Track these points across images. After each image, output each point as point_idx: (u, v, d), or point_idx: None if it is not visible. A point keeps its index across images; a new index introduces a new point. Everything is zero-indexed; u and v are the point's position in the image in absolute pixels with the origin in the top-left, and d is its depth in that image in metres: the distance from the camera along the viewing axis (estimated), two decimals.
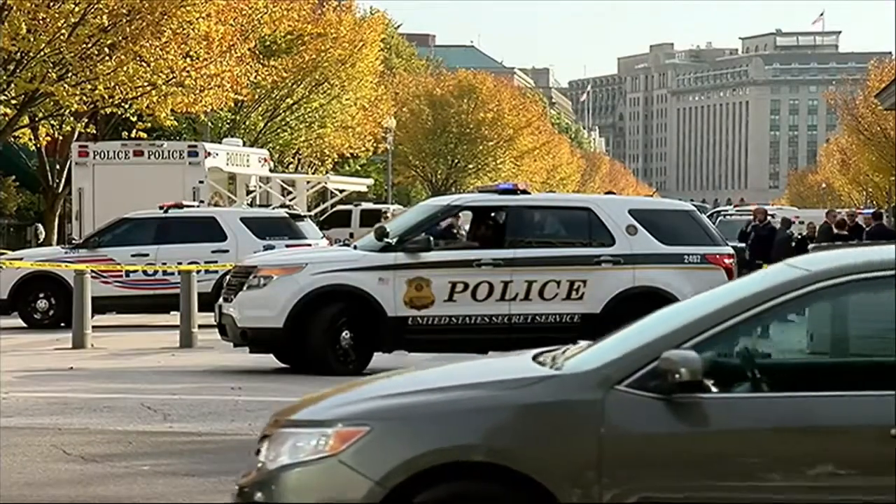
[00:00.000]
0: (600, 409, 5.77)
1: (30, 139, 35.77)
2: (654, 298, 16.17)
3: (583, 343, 6.47)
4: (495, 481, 5.76)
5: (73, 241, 25.58)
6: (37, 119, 33.57)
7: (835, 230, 28.21)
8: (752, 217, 30.53)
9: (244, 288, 15.82)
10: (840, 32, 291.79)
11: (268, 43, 44.67)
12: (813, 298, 6.00)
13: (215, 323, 16.55)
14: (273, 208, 28.34)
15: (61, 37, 28.25)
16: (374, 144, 56.61)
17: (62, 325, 21.37)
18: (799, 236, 31.97)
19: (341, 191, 40.99)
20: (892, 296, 6.02)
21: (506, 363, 6.91)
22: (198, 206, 25.45)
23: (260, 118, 47.78)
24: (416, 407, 5.98)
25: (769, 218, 29.64)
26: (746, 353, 6.02)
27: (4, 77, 29.15)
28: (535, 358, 6.36)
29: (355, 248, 16.71)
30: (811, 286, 5.98)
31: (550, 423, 5.81)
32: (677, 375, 5.69)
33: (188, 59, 31.29)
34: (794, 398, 5.85)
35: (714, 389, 5.80)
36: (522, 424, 5.81)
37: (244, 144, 38.27)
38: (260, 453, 6.07)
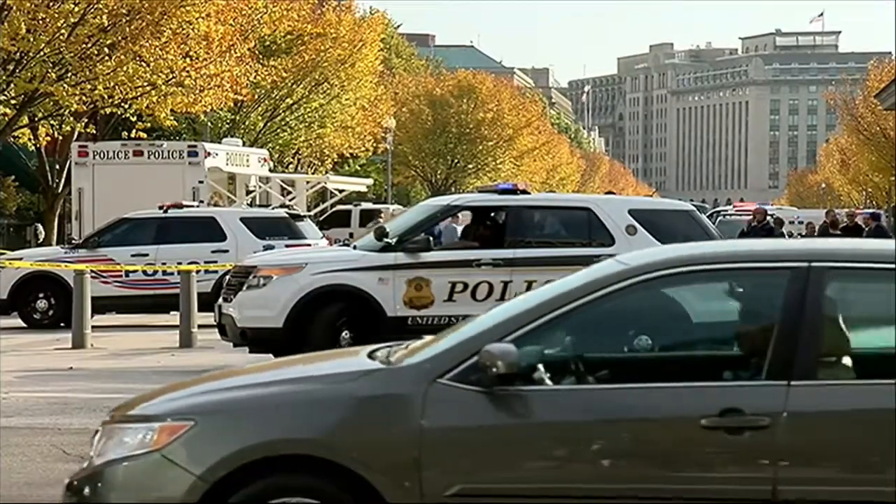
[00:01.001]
0: (421, 402, 5.82)
1: (29, 139, 35.77)
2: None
3: (427, 338, 6.51)
4: (318, 475, 5.79)
5: (73, 241, 25.57)
6: (36, 119, 33.57)
7: (830, 230, 28.27)
8: (751, 217, 30.55)
9: (244, 288, 15.82)
10: (840, 32, 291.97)
11: (267, 43, 44.68)
12: (631, 292, 6.07)
13: (215, 323, 16.55)
14: (273, 208, 28.33)
15: (61, 37, 28.25)
16: (374, 144, 56.61)
17: (62, 325, 21.36)
18: (798, 236, 32.01)
19: (341, 191, 41.00)
20: (707, 289, 6.22)
21: (339, 359, 7.00)
22: (197, 206, 25.45)
23: (260, 118, 47.78)
24: (241, 401, 6.00)
25: (768, 218, 29.66)
26: (568, 346, 6.11)
27: (4, 77, 29.14)
28: (370, 353, 6.42)
29: (355, 248, 16.71)
30: (629, 280, 6.08)
31: (372, 416, 5.86)
32: (495, 368, 5.75)
33: (188, 59, 31.28)
34: (612, 390, 5.94)
35: (534, 382, 5.88)
36: (344, 417, 5.85)
37: (244, 144, 38.28)
38: (91, 447, 6.10)
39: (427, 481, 5.76)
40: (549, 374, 5.93)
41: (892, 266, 6.00)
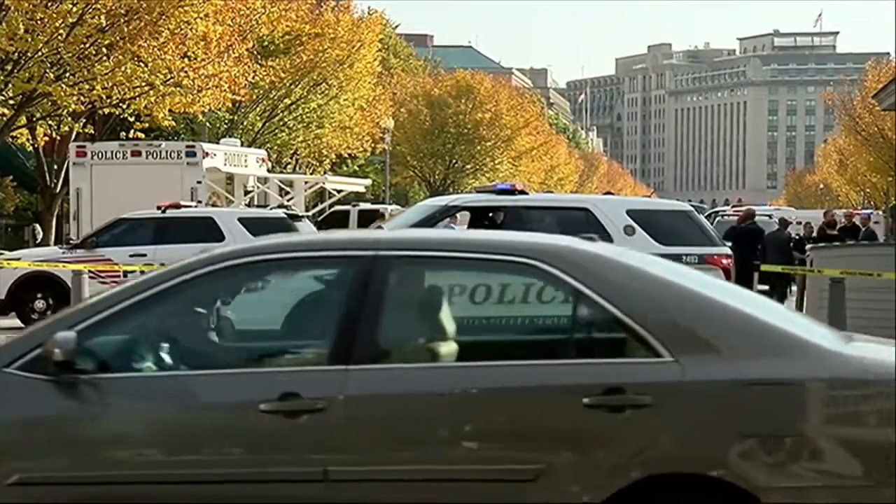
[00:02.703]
0: None
1: (27, 139, 35.75)
2: None
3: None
4: None
5: (71, 242, 25.54)
6: (34, 119, 33.55)
7: (828, 231, 28.27)
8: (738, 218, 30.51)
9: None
10: (838, 33, 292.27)
11: (266, 43, 44.64)
12: (198, 283, 6.18)
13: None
14: (271, 208, 28.31)
15: (59, 37, 28.21)
16: (372, 145, 56.57)
17: None
18: (797, 236, 32.01)
19: (339, 191, 40.96)
20: (286, 277, 6.42)
21: None
22: (195, 207, 25.43)
23: (258, 118, 47.74)
24: None
25: (778, 219, 29.71)
26: (140, 333, 6.19)
27: (2, 77, 29.11)
28: None
29: None
30: (195, 271, 6.18)
31: None
32: (54, 356, 5.82)
33: (186, 60, 31.25)
34: (175, 378, 6.04)
35: (102, 370, 5.95)
36: None
37: (242, 145, 38.25)
38: None
39: None
40: (118, 362, 6.03)
41: (454, 254, 6.21)
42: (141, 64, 29.75)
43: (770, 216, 39.04)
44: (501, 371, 5.90)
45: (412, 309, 6.29)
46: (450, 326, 6.20)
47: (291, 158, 53.59)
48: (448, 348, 6.10)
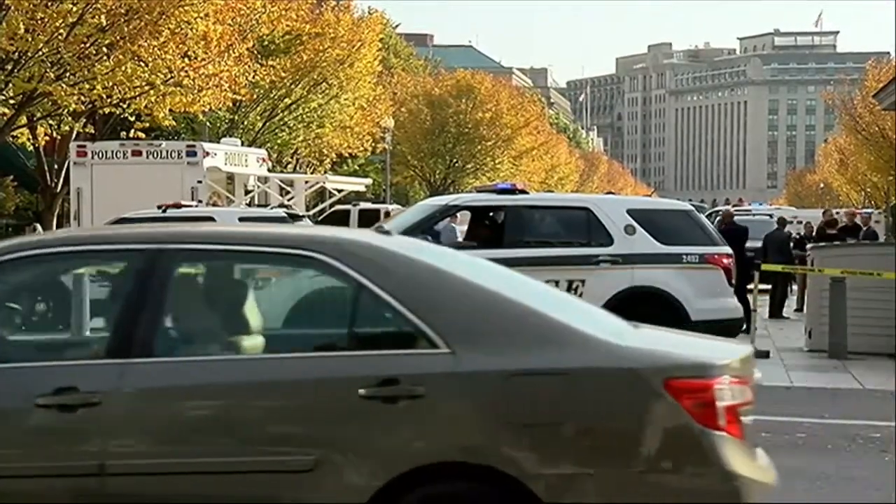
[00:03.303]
0: None
1: (28, 139, 35.74)
2: (653, 298, 16.23)
3: None
4: None
5: None
6: (35, 119, 33.54)
7: (827, 230, 28.29)
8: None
9: None
10: (838, 32, 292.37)
11: (266, 43, 44.65)
12: None
13: None
14: (271, 208, 28.30)
15: (59, 36, 28.21)
16: (373, 144, 56.57)
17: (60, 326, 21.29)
18: (797, 236, 32.02)
19: (340, 191, 40.95)
20: (53, 274, 6.43)
21: None
22: (196, 206, 25.41)
23: (258, 118, 47.75)
24: None
25: (781, 218, 29.83)
26: None
27: (2, 77, 29.10)
28: None
29: None
30: None
31: None
32: None
33: (186, 59, 31.24)
34: None
35: None
36: None
37: (242, 144, 38.24)
38: None
39: None
40: None
41: (236, 248, 6.26)
42: (141, 63, 29.73)
43: (770, 216, 39.08)
44: (280, 363, 5.95)
45: (192, 303, 6.33)
46: (230, 320, 6.25)
47: (292, 158, 53.59)
48: (228, 342, 6.15)
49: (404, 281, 6.04)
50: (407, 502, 5.73)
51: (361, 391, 5.79)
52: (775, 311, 27.42)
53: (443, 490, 5.77)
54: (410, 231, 16.23)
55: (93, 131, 38.18)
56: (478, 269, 6.60)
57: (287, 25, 44.52)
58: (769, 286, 27.02)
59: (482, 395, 5.80)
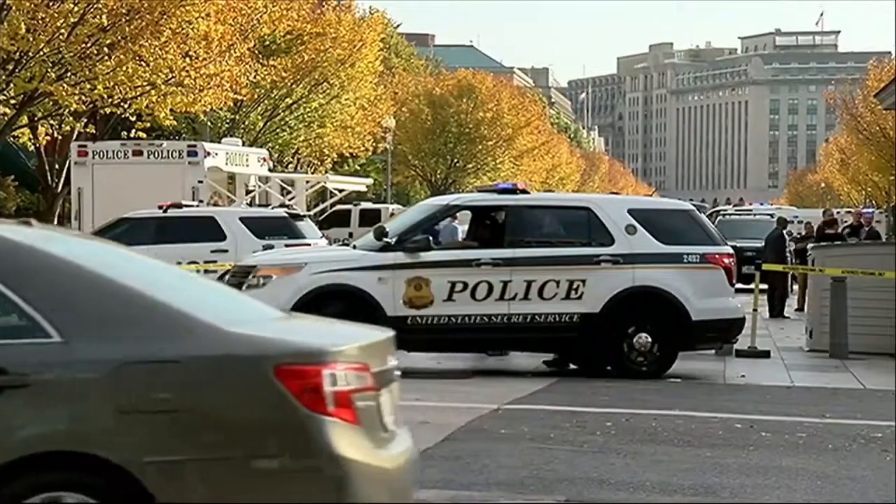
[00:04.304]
0: None
1: (29, 139, 35.74)
2: (654, 298, 16.23)
3: None
4: None
5: None
6: (36, 119, 33.55)
7: (827, 230, 28.35)
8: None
9: (243, 288, 15.78)
10: (839, 32, 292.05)
11: (267, 42, 44.65)
12: None
13: None
14: (272, 208, 28.30)
15: (60, 36, 28.22)
16: (374, 144, 56.58)
17: None
18: (798, 235, 32.03)
19: (340, 190, 40.94)
20: None
21: None
22: (197, 206, 25.42)
23: (259, 118, 47.75)
24: None
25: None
26: None
27: (3, 77, 29.12)
28: None
29: (354, 247, 16.71)
30: None
31: None
32: None
33: (187, 59, 31.24)
34: None
35: None
36: None
37: (243, 144, 38.24)
38: None
39: None
40: None
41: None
42: (142, 63, 29.75)
43: (772, 215, 39.13)
44: None
45: None
46: None
47: (293, 158, 53.59)
48: None
49: (20, 271, 6.11)
50: (15, 491, 5.81)
51: None
52: (775, 311, 27.45)
53: (52, 479, 5.85)
54: (411, 231, 16.26)
55: (94, 131, 38.18)
56: (114, 259, 6.69)
57: (288, 25, 44.54)
58: (766, 286, 27.04)
59: (93, 384, 5.90)
